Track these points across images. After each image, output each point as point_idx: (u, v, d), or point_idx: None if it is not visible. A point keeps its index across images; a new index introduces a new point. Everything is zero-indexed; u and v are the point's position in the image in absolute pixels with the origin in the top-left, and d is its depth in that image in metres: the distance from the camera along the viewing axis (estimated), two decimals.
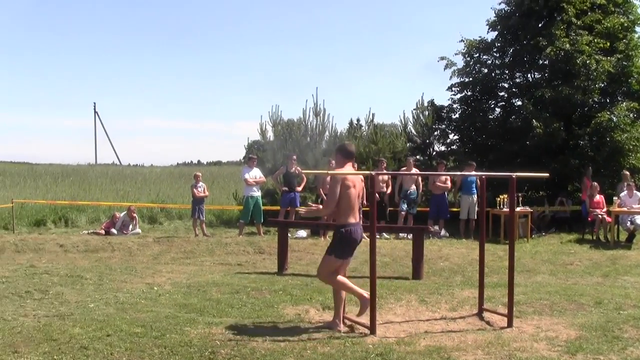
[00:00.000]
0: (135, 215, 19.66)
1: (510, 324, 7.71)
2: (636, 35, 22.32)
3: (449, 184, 19.00)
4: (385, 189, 18.31)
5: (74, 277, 10.65)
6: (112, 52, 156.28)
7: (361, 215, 16.79)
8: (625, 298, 9.36)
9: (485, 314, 8.31)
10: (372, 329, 7.20)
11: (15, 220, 20.50)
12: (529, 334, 7.33)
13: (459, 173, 18.52)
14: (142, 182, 35.99)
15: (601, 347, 6.67)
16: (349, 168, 7.68)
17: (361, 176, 7.80)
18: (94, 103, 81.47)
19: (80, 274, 10.92)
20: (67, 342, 6.49)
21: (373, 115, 23.22)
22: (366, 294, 7.37)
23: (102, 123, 79.54)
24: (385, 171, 18.36)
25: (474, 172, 17.19)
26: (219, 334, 6.96)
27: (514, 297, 8.00)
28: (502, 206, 17.67)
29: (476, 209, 18.07)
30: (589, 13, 21.79)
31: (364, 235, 7.82)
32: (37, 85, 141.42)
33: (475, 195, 18.28)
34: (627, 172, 18.96)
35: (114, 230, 18.85)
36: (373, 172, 7.42)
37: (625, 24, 21.90)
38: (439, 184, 18.55)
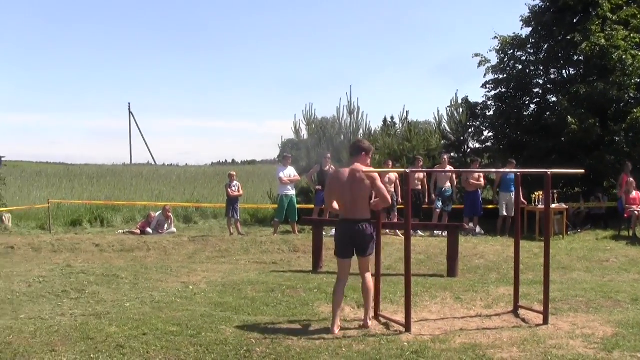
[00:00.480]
0: (170, 214, 19.78)
1: (545, 321, 7.67)
2: None
3: (482, 181, 18.93)
4: (420, 187, 18.28)
5: (110, 277, 10.71)
6: (147, 53, 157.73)
7: (396, 213, 16.92)
8: None
9: (521, 312, 8.26)
10: (408, 326, 7.20)
11: (51, 220, 20.75)
12: (565, 331, 7.28)
13: (496, 170, 18.47)
14: (177, 182, 36.26)
15: (638, 345, 6.62)
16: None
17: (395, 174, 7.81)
18: (129, 103, 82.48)
19: (116, 273, 10.99)
20: (104, 341, 6.54)
21: (407, 112, 23.19)
22: (336, 328, 7.36)
23: (137, 123, 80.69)
24: (421, 169, 18.31)
25: (509, 169, 17.10)
26: (254, 332, 6.99)
27: (549, 294, 7.95)
28: (537, 203, 17.56)
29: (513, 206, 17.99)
30: (625, 8, 21.54)
31: (399, 233, 7.81)
32: (73, 86, 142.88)
33: (514, 193, 18.18)
34: None
35: (149, 230, 18.99)
36: (407, 170, 7.38)
37: None
38: (472, 181, 18.48)
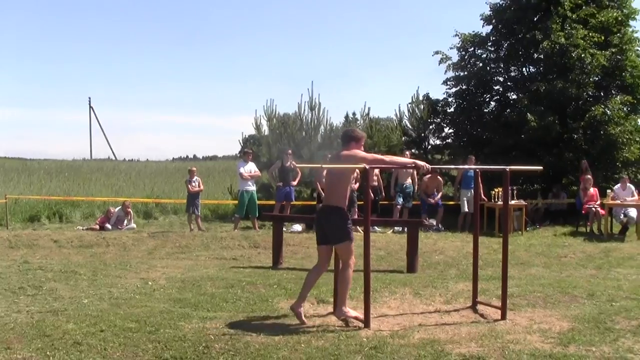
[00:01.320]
0: (130, 210, 19.67)
1: (503, 317, 7.71)
2: (630, 29, 22.40)
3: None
4: (375, 183, 18.35)
5: (68, 273, 10.61)
6: (107, 46, 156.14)
7: (357, 209, 16.96)
8: (618, 290, 9.38)
9: (479, 307, 8.30)
10: (367, 322, 7.20)
11: (8, 216, 20.50)
12: (523, 326, 7.34)
13: (455, 167, 18.57)
14: (137, 177, 36.00)
15: (593, 339, 6.69)
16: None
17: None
18: (89, 98, 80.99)
19: (74, 270, 10.89)
20: (61, 337, 6.47)
21: (369, 109, 23.21)
22: (299, 308, 7.56)
23: (97, 118, 79.43)
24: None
25: (467, 166, 17.20)
26: (213, 328, 6.95)
27: (507, 289, 8.01)
28: (496, 199, 17.71)
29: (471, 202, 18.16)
30: (584, 7, 21.87)
31: (359, 229, 7.84)
32: (31, 79, 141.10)
33: (470, 191, 18.33)
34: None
35: (108, 226, 18.85)
36: (367, 166, 7.38)
37: (620, 18, 21.95)
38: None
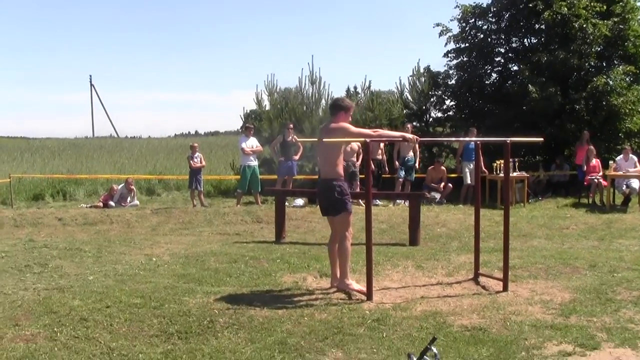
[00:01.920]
0: (133, 187, 19.69)
1: (505, 288, 7.77)
2: None
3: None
4: (380, 157, 18.38)
5: (73, 250, 10.65)
6: (108, 25, 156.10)
7: (358, 182, 17.01)
8: (620, 261, 9.42)
9: (481, 279, 8.36)
10: (369, 295, 7.28)
11: (13, 194, 20.52)
12: (524, 297, 7.41)
13: (457, 139, 18.61)
14: (139, 154, 36.07)
15: (594, 310, 6.76)
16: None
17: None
18: (90, 76, 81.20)
19: (79, 247, 10.94)
20: (67, 314, 6.53)
21: (370, 82, 23.16)
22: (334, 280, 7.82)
23: (98, 96, 79.77)
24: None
25: (469, 138, 17.19)
26: (217, 303, 7.01)
27: (509, 261, 8.06)
28: (498, 171, 17.72)
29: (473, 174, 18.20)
30: None
31: (361, 202, 7.90)
32: (33, 59, 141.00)
33: (472, 162, 18.35)
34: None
35: (112, 203, 18.86)
36: (367, 140, 7.43)
37: None
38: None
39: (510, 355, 5.51)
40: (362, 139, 7.52)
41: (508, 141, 8.09)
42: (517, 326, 6.25)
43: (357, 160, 17.40)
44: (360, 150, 16.91)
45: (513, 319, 6.48)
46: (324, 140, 7.51)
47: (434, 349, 4.81)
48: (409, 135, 7.79)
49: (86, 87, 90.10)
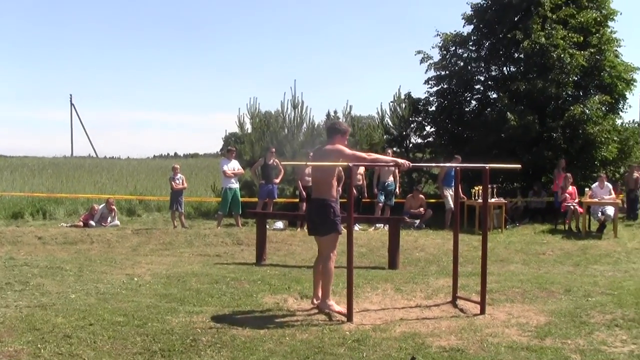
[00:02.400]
0: (113, 207, 19.73)
1: (482, 311, 7.92)
2: (609, 30, 22.76)
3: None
4: (360, 182, 18.55)
5: (54, 269, 10.62)
6: (89, 44, 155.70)
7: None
8: (594, 286, 9.61)
9: (459, 302, 8.50)
10: (349, 316, 7.39)
11: None
12: (501, 320, 7.55)
13: (437, 165, 18.80)
14: (119, 175, 35.94)
15: (569, 332, 6.92)
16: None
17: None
18: (70, 95, 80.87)
19: (60, 266, 10.91)
20: (51, 331, 6.57)
21: (350, 107, 23.38)
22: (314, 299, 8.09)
23: (78, 115, 79.24)
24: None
25: (447, 164, 17.40)
26: (200, 322, 7.09)
27: (487, 285, 8.22)
28: (477, 197, 17.92)
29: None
30: (564, 7, 22.12)
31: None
32: (12, 77, 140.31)
33: (452, 189, 18.54)
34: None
35: (92, 223, 18.89)
36: (350, 164, 7.57)
37: (598, 19, 22.25)
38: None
39: None
40: (348, 163, 7.66)
41: (487, 167, 8.29)
42: (494, 347, 6.38)
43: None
44: (342, 174, 17.08)
45: (490, 340, 6.62)
46: (313, 163, 7.68)
47: None
48: (401, 161, 7.93)
49: (66, 105, 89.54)
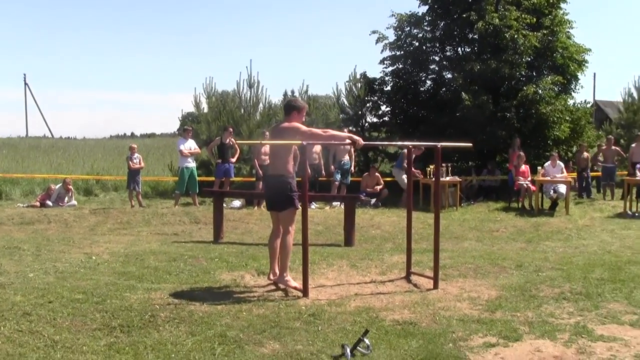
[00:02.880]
0: (70, 187, 19.64)
1: (435, 286, 8.13)
2: (561, 12, 23.13)
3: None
4: (317, 160, 18.68)
5: (11, 249, 10.63)
6: (42, 22, 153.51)
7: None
8: (545, 261, 9.88)
9: (413, 277, 8.71)
10: (305, 291, 7.55)
11: None
12: (453, 294, 7.77)
13: (389, 143, 18.96)
14: (75, 155, 35.76)
15: (518, 305, 7.16)
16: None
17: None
18: (24, 74, 79.80)
19: (17, 245, 10.93)
20: (10, 309, 6.62)
21: (307, 86, 23.50)
22: (271, 274, 8.28)
23: (32, 95, 78.49)
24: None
25: (399, 142, 17.60)
26: (158, 298, 7.20)
27: (440, 261, 8.44)
28: (431, 176, 18.14)
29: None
30: None
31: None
32: None
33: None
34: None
35: (49, 203, 18.81)
36: (304, 142, 7.69)
37: (551, 0, 22.61)
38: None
39: (438, 346, 5.81)
40: (302, 142, 7.78)
41: (439, 146, 8.48)
42: (446, 320, 6.58)
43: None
44: (297, 152, 17.20)
45: (442, 314, 6.82)
46: (267, 142, 7.82)
47: (367, 341, 5.15)
48: (356, 137, 8.07)
49: (19, 84, 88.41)
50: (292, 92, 23.68)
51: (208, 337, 5.95)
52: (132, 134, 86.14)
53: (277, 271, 8.09)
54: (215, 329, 6.18)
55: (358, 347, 5.46)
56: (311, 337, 6.02)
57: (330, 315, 6.72)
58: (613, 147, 20.53)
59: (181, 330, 6.18)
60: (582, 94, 41.13)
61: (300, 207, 7.88)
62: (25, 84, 73.56)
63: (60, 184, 19.59)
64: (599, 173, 21.20)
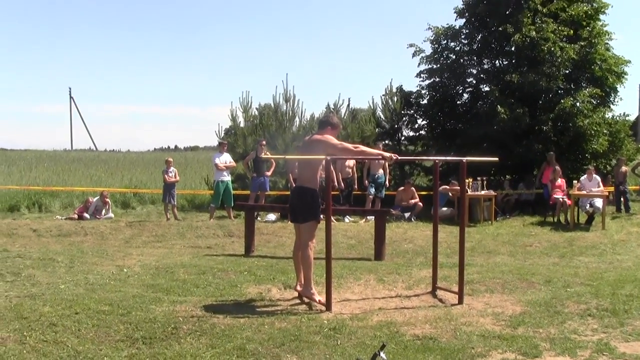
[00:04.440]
0: (108, 200, 19.87)
1: (460, 301, 8.12)
2: (599, 23, 22.89)
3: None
4: (351, 174, 18.75)
5: (46, 260, 10.77)
6: (88, 37, 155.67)
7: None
8: (574, 277, 9.79)
9: (439, 292, 8.70)
10: (328, 305, 7.59)
11: None
12: (478, 310, 7.75)
13: (416, 158, 18.87)
14: (116, 168, 36.12)
15: (542, 321, 7.12)
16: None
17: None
18: (69, 88, 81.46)
19: (52, 257, 11.06)
20: (37, 319, 6.73)
21: (349, 99, 23.60)
22: (298, 285, 8.30)
23: (77, 108, 79.93)
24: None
25: (425, 157, 17.60)
26: (183, 311, 7.28)
27: (468, 276, 8.47)
28: (467, 190, 18.08)
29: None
30: (554, 1, 22.29)
31: (332, 218, 8.19)
32: (13, 70, 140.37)
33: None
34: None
35: (86, 215, 19.05)
36: (328, 157, 7.74)
37: (589, 12, 22.42)
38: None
39: None
40: (338, 153, 7.84)
41: (464, 160, 8.49)
42: (467, 336, 6.58)
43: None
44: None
45: (463, 329, 6.81)
46: (293, 157, 7.88)
47: (383, 355, 5.17)
48: (387, 154, 8.10)
49: (65, 99, 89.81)
50: (335, 105, 23.65)
51: (227, 350, 6.02)
52: (176, 146, 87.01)
53: (303, 283, 8.14)
54: (235, 342, 6.24)
55: None
56: (330, 351, 6.06)
57: (351, 329, 6.74)
58: None
59: (202, 342, 6.25)
60: (622, 107, 40.73)
61: (336, 221, 7.93)
62: (71, 97, 74.74)
63: (98, 197, 19.83)
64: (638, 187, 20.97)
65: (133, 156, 51.22)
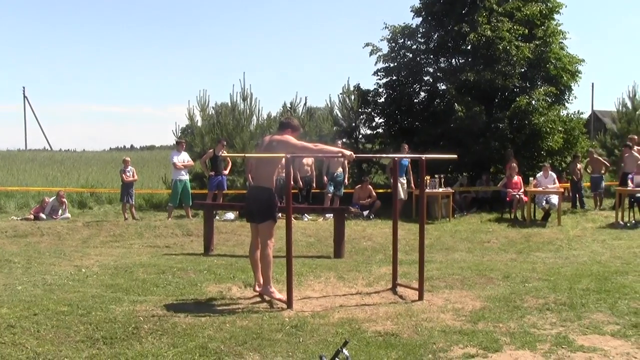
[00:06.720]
0: (64, 200, 19.65)
1: (421, 298, 8.17)
2: (554, 23, 23.23)
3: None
4: (309, 173, 18.79)
5: (2, 262, 10.70)
6: (42, 36, 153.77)
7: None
8: (532, 272, 9.93)
9: (399, 289, 8.75)
10: (289, 303, 7.61)
11: None
12: (438, 306, 7.81)
13: (379, 155, 19.01)
14: (72, 167, 35.76)
15: (502, 316, 7.20)
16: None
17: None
18: (23, 87, 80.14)
19: (8, 258, 10.99)
20: None
21: (306, 98, 23.53)
22: (257, 286, 8.33)
23: (32, 108, 78.57)
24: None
25: (384, 155, 17.66)
26: (143, 310, 7.24)
27: (428, 272, 8.52)
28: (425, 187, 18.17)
29: (406, 190, 18.84)
30: (510, 0, 22.53)
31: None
32: None
33: (404, 178, 18.86)
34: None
35: (43, 215, 18.83)
36: (288, 155, 7.76)
37: (544, 12, 22.70)
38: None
39: (417, 357, 5.86)
40: (286, 155, 7.84)
41: (423, 158, 8.55)
42: (428, 332, 6.63)
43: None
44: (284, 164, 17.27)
45: (424, 325, 6.86)
46: (254, 155, 7.87)
47: (346, 352, 5.18)
48: (347, 152, 8.13)
49: (19, 98, 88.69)
50: (291, 104, 23.62)
51: (189, 349, 6.00)
52: (132, 146, 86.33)
53: (262, 282, 8.13)
54: (197, 341, 6.23)
55: (336, 359, 5.49)
56: (292, 348, 6.07)
57: (313, 326, 6.76)
58: (596, 157, 20.70)
59: (163, 342, 6.22)
60: (576, 104, 41.34)
61: (285, 219, 7.93)
62: (25, 97, 73.68)
63: (54, 197, 19.61)
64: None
65: (89, 156, 50.81)
